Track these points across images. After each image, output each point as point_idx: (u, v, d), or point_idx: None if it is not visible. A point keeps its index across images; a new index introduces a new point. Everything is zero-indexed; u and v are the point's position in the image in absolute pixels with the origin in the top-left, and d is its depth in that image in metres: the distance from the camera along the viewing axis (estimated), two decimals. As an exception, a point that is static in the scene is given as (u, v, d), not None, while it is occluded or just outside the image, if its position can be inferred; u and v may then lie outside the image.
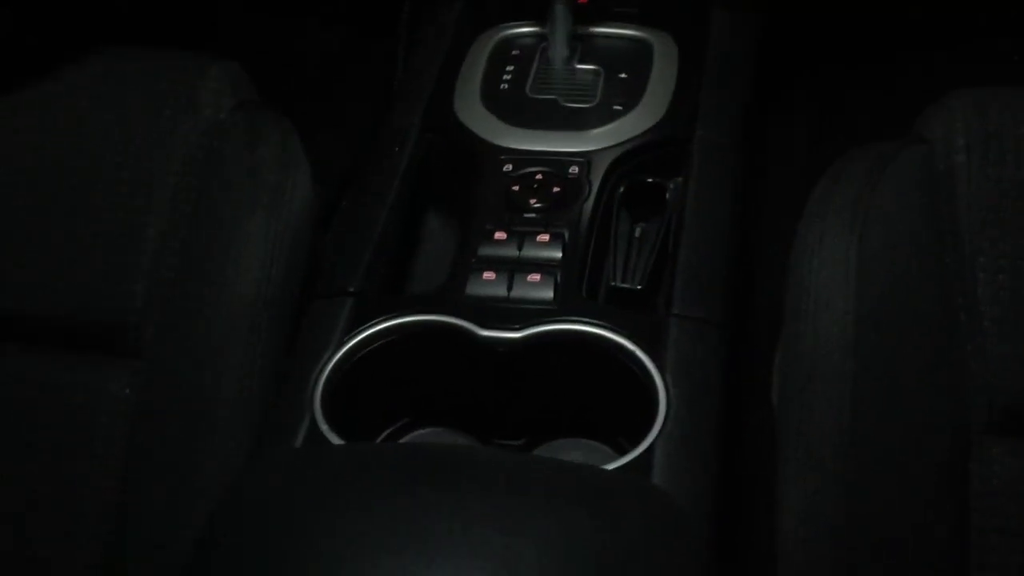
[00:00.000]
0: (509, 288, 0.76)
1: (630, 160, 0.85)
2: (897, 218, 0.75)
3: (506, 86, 0.91)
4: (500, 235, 0.79)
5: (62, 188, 0.83)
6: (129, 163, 0.82)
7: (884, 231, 0.73)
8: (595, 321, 0.73)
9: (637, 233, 0.84)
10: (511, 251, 0.78)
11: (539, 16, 0.95)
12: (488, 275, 0.76)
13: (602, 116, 0.88)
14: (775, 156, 1.16)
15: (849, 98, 1.23)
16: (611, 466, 0.66)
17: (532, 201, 0.81)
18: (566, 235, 0.79)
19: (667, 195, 0.85)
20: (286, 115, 0.86)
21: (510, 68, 0.93)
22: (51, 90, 0.87)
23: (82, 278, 0.81)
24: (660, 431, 0.67)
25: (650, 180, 0.85)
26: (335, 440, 0.69)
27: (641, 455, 0.67)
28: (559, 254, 0.78)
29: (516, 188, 0.82)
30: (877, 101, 1.20)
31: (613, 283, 0.80)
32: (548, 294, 0.75)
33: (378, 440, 0.78)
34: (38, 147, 0.85)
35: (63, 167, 0.84)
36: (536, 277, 0.76)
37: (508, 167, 0.84)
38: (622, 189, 0.85)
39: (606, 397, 0.75)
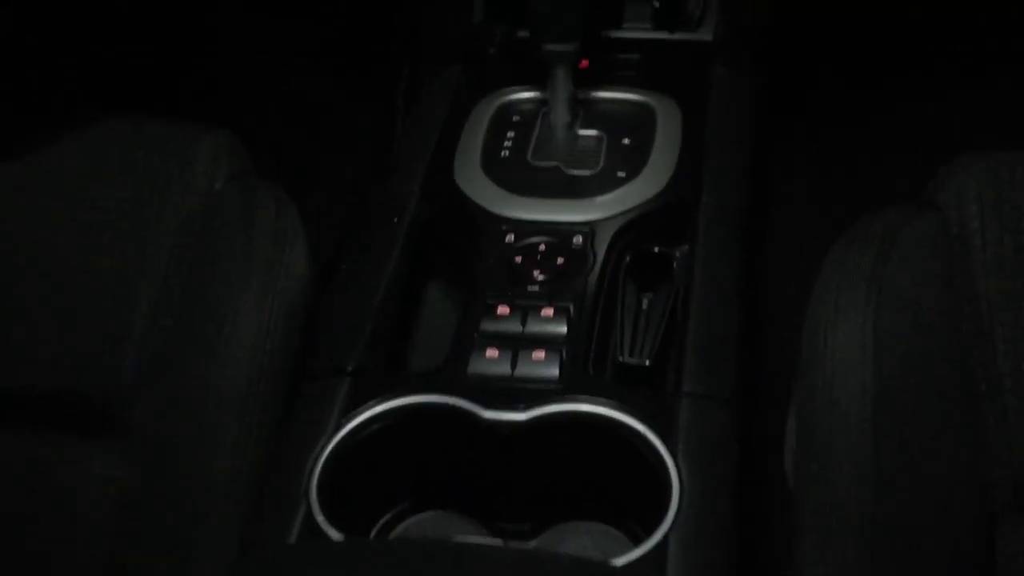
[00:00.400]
0: (513, 366, 0.73)
1: (635, 228, 0.83)
2: (912, 288, 0.73)
3: (507, 153, 0.89)
4: (503, 309, 0.76)
5: (50, 261, 0.81)
6: (120, 235, 0.81)
7: (900, 302, 0.72)
8: (603, 401, 0.70)
9: (644, 305, 0.82)
10: (514, 326, 0.76)
11: (539, 81, 0.93)
12: (491, 352, 0.74)
13: (605, 183, 0.86)
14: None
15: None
16: (621, 561, 0.63)
17: (535, 273, 0.79)
18: (571, 309, 0.76)
19: (674, 264, 0.83)
20: (283, 161, 0.84)
21: (511, 134, 0.91)
22: (41, 162, 0.85)
23: (70, 353, 0.79)
24: (674, 522, 0.64)
25: (656, 249, 0.83)
26: (332, 532, 0.66)
27: (654, 547, 0.63)
28: (564, 329, 0.75)
29: (519, 259, 0.80)
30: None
31: (621, 358, 0.78)
32: (554, 372, 0.73)
33: (378, 524, 0.75)
34: (26, 219, 0.83)
35: (52, 239, 0.82)
36: (541, 354, 0.73)
37: (510, 237, 0.82)
38: (628, 259, 0.83)
39: (616, 479, 0.72)
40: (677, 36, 0.99)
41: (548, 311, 0.76)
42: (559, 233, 0.82)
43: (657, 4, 0.98)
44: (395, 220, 0.86)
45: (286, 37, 1.24)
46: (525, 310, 0.76)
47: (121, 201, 0.81)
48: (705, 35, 0.99)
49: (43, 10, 0.92)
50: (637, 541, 0.66)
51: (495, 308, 0.76)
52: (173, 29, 1.20)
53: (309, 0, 1.22)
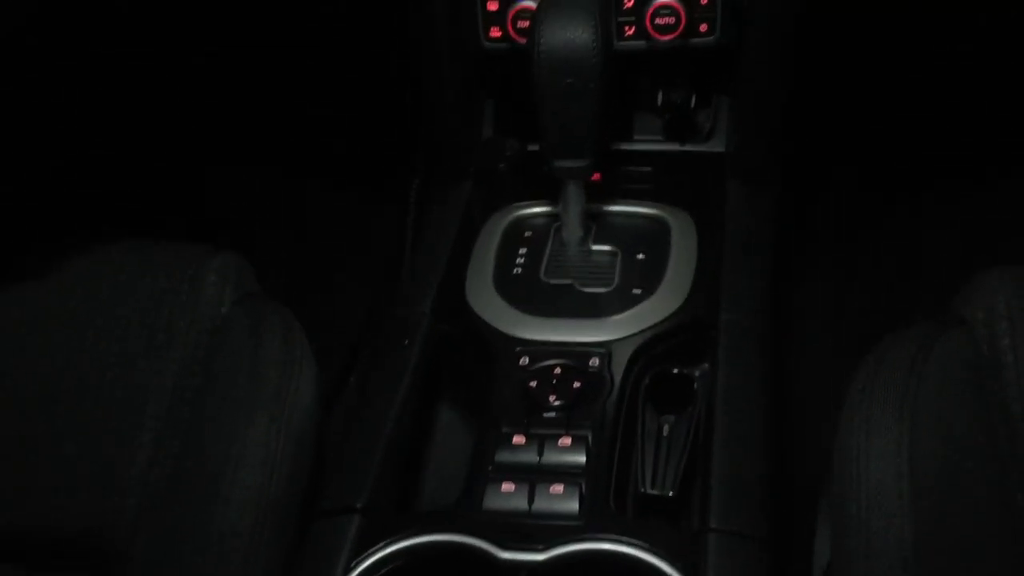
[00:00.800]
0: (530, 501, 0.70)
1: (653, 348, 0.81)
2: (946, 411, 0.70)
3: (519, 270, 0.87)
4: (519, 439, 0.73)
5: (52, 393, 0.79)
6: (124, 365, 0.79)
7: (933, 426, 0.69)
8: (627, 539, 0.67)
9: (665, 431, 0.79)
10: (531, 457, 0.73)
11: (551, 196, 0.92)
12: (507, 486, 0.71)
13: (621, 301, 0.83)
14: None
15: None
16: None
17: (551, 398, 0.76)
18: (589, 438, 0.73)
19: (695, 385, 0.80)
20: (292, 274, 0.82)
21: (523, 251, 0.89)
22: (44, 290, 0.83)
23: (70, 491, 0.76)
24: None
25: (676, 370, 0.80)
26: None
27: None
28: (583, 459, 0.72)
29: (534, 384, 0.77)
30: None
31: (643, 489, 0.74)
32: (573, 507, 0.70)
33: None
34: (27, 350, 0.81)
35: (54, 371, 0.80)
36: (559, 488, 0.70)
37: (524, 360, 0.79)
38: (647, 381, 0.80)
39: None
40: (688, 148, 0.98)
41: (566, 440, 0.73)
42: (575, 355, 0.79)
43: (667, 116, 0.97)
44: (406, 342, 0.84)
45: (297, 151, 1.24)
46: (542, 439, 0.73)
47: (125, 330, 0.79)
48: (717, 147, 0.98)
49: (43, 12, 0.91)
50: None
51: (510, 437, 0.74)
52: (185, 144, 1.20)
53: (320, 114, 1.22)
